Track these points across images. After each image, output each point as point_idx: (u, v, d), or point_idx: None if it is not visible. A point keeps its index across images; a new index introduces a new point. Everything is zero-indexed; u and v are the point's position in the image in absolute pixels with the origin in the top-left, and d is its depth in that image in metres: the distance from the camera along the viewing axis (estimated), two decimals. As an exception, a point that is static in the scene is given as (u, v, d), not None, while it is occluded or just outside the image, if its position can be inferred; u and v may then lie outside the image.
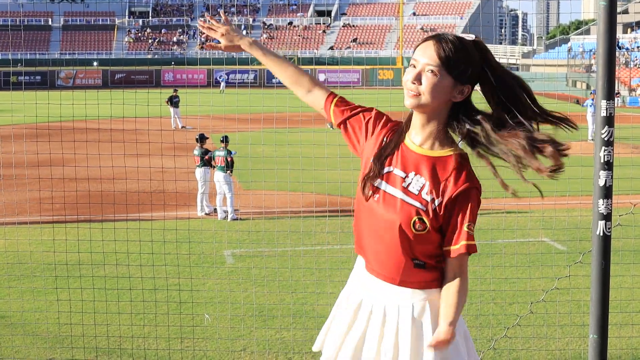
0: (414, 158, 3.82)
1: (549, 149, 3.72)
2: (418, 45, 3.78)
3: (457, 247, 3.76)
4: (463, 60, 3.69)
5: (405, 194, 3.77)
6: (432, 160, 3.80)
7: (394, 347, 3.83)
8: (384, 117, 4.02)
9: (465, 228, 3.76)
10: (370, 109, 4.05)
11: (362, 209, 3.88)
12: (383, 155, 3.86)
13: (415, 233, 3.75)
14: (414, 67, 3.73)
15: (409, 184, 3.78)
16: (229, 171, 17.19)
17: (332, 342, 4.06)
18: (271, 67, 4.26)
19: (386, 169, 3.83)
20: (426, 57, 3.69)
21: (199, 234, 14.60)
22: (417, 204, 3.74)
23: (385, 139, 3.91)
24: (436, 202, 3.74)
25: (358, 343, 3.92)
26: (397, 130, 3.92)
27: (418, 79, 3.70)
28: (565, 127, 3.84)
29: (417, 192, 3.76)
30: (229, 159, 17.23)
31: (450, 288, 3.76)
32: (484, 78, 3.76)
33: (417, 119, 3.83)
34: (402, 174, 3.80)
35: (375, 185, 3.82)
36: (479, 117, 3.78)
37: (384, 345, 3.86)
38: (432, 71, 3.68)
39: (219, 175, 17.35)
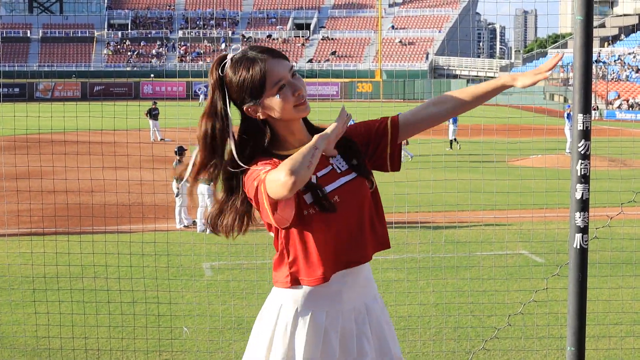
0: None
1: None
2: (261, 75, 3.67)
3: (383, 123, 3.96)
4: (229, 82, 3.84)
5: (346, 175, 3.80)
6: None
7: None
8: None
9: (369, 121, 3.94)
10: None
11: (330, 219, 3.75)
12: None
13: (373, 194, 3.84)
14: (284, 86, 3.68)
15: (337, 166, 3.81)
16: (212, 183, 17.14)
17: None
18: None
19: (313, 178, 3.75)
20: (284, 68, 3.70)
21: (177, 247, 14.58)
22: (357, 173, 3.82)
23: None
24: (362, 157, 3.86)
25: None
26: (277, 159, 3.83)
27: (300, 84, 3.75)
28: None
29: (347, 166, 3.82)
30: None
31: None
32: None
33: (296, 128, 3.81)
34: (328, 169, 3.80)
35: (327, 191, 3.76)
36: None
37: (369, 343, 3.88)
38: (294, 72, 3.74)
39: (202, 188, 17.32)
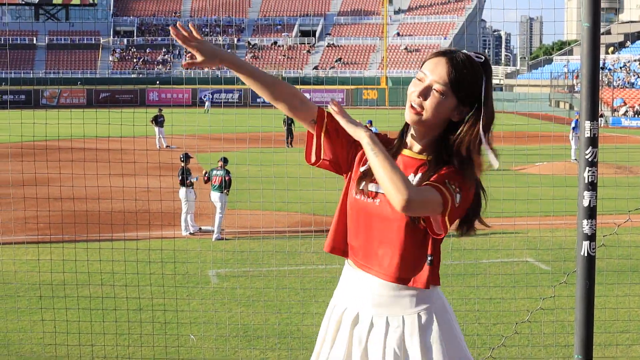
0: (412, 163, 3.79)
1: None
2: (428, 58, 3.74)
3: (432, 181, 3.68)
4: (470, 82, 3.67)
5: None
6: (424, 162, 3.80)
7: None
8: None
9: (447, 182, 3.63)
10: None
11: (360, 213, 3.82)
12: None
13: (423, 228, 3.72)
14: (421, 80, 3.70)
15: None
16: (226, 191, 17.26)
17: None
18: (255, 82, 4.00)
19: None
20: (436, 74, 3.66)
21: (183, 254, 14.58)
22: None
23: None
24: None
25: (345, 352, 3.88)
26: (392, 140, 3.92)
27: (424, 94, 3.67)
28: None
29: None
30: (227, 179, 17.29)
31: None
32: (479, 101, 3.72)
33: (414, 130, 3.81)
34: None
35: (377, 191, 3.76)
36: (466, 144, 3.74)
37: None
38: (439, 90, 3.65)
39: (215, 196, 17.36)
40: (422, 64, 3.75)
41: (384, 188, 3.49)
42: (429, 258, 3.78)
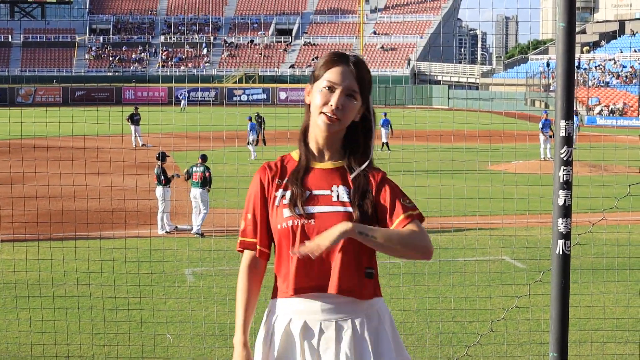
0: (326, 174, 3.85)
1: None
2: (329, 66, 3.80)
3: (400, 218, 3.80)
4: (368, 82, 3.85)
5: (342, 205, 3.79)
6: (340, 170, 3.86)
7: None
8: (265, 170, 3.97)
9: (402, 202, 3.85)
10: (253, 190, 3.98)
11: (294, 236, 3.79)
12: (297, 178, 3.85)
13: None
14: (332, 90, 3.76)
15: (338, 195, 3.81)
16: (207, 187, 17.25)
17: None
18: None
19: (307, 194, 3.82)
20: (347, 81, 3.76)
21: (160, 253, 14.55)
22: (349, 209, 3.79)
23: (281, 177, 3.91)
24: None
25: None
26: (290, 160, 3.94)
27: (342, 103, 3.75)
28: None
29: (348, 200, 3.80)
30: (207, 175, 17.28)
31: (411, 232, 3.77)
32: (367, 97, 3.90)
33: (322, 140, 3.86)
34: (327, 192, 3.82)
35: (306, 212, 3.78)
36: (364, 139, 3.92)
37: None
38: (352, 96, 3.77)
39: (195, 192, 17.35)
40: (319, 75, 3.82)
41: (405, 256, 3.78)
42: (368, 271, 3.86)
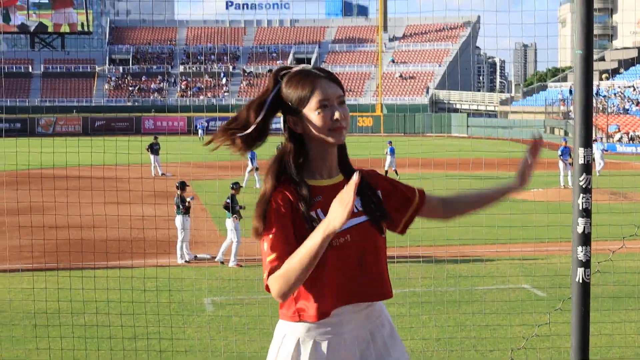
0: (334, 190, 3.71)
1: None
2: (309, 87, 3.75)
3: (416, 199, 4.05)
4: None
5: (360, 215, 3.81)
6: (343, 183, 3.81)
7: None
8: (285, 194, 3.82)
9: (402, 185, 4.06)
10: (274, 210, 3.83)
11: (331, 260, 3.73)
12: (309, 205, 3.78)
13: (383, 237, 3.87)
14: (329, 105, 3.73)
15: (356, 206, 3.82)
16: (234, 216, 17.03)
17: None
18: None
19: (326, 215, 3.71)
20: (335, 92, 3.76)
21: (179, 282, 14.55)
22: (369, 217, 3.85)
23: (298, 204, 3.80)
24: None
25: None
26: (297, 187, 3.82)
27: (343, 112, 3.76)
28: None
29: (361, 208, 3.84)
30: (227, 203, 17.11)
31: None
32: None
33: (328, 155, 3.85)
34: None
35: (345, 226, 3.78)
36: None
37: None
38: (343, 101, 3.78)
39: (228, 223, 17.23)
40: (302, 99, 3.75)
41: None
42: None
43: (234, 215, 17.01)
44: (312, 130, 3.75)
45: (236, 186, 17.66)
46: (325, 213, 3.66)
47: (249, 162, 33.54)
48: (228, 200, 17.20)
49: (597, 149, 40.41)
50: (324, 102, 3.73)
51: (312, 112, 3.73)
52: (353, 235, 3.78)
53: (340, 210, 3.40)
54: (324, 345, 3.82)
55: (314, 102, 3.73)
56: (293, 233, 3.70)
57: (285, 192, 3.76)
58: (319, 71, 3.81)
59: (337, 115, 3.73)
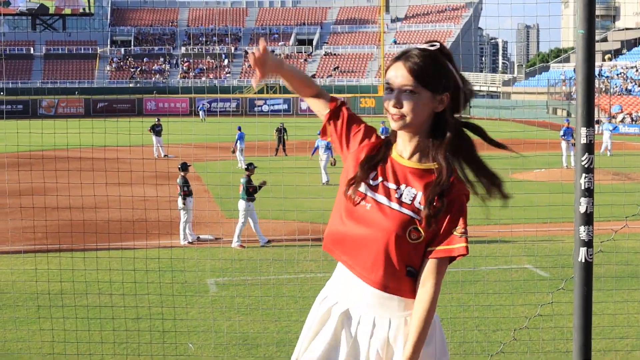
0: (403, 170, 3.84)
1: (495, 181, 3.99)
2: (388, 67, 3.83)
3: (442, 248, 3.77)
4: (434, 70, 3.76)
5: (399, 204, 3.77)
6: (420, 172, 3.84)
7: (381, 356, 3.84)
8: (373, 132, 4.06)
9: (454, 232, 3.79)
10: (363, 123, 4.11)
11: (350, 214, 3.83)
12: (370, 163, 3.88)
13: (410, 242, 3.75)
14: (390, 90, 3.77)
15: (402, 194, 3.79)
16: (247, 198, 16.93)
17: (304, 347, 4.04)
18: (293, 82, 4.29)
19: (377, 181, 3.83)
20: (400, 78, 3.74)
21: (181, 263, 14.57)
22: (411, 214, 3.75)
23: (372, 150, 3.94)
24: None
25: (331, 342, 3.90)
26: (383, 143, 3.95)
27: (399, 102, 3.73)
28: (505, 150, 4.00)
29: (410, 202, 3.77)
30: (246, 186, 17.04)
31: (420, 303, 3.74)
32: (455, 81, 3.84)
33: (403, 134, 3.86)
34: (394, 186, 3.81)
35: (366, 193, 3.81)
36: (458, 126, 3.93)
37: (368, 353, 3.85)
38: (410, 91, 3.72)
39: (241, 204, 17.15)
40: (386, 74, 3.84)
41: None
42: (409, 269, 3.80)
43: (248, 197, 16.98)
44: None
45: (251, 167, 17.63)
46: (375, 180, 3.86)
47: (237, 143, 33.44)
48: (243, 181, 17.13)
49: (606, 129, 40.40)
50: (387, 85, 3.80)
51: (385, 90, 3.82)
52: (372, 208, 3.80)
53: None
54: (338, 309, 3.94)
55: (385, 81, 3.82)
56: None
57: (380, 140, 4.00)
58: (408, 53, 3.81)
59: (388, 103, 3.78)
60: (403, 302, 3.83)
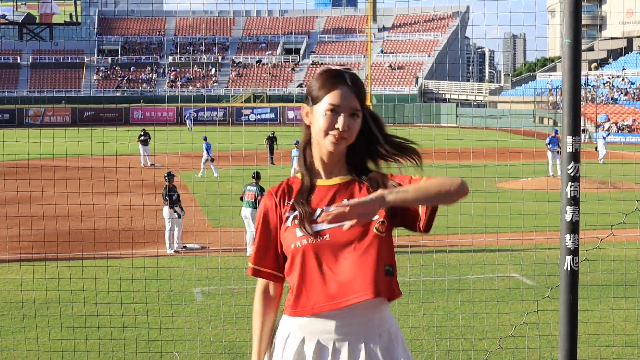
0: (334, 190, 3.87)
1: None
2: (329, 88, 3.81)
3: (418, 182, 3.81)
4: (364, 94, 3.88)
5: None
6: (348, 183, 3.89)
7: None
8: (271, 195, 3.99)
9: (413, 177, 3.88)
10: (259, 216, 4.00)
11: (310, 256, 3.77)
12: (303, 198, 3.86)
13: (379, 235, 3.77)
14: (337, 112, 3.77)
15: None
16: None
17: None
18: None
19: (318, 212, 3.79)
20: (349, 102, 3.78)
21: (167, 272, 14.53)
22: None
23: (289, 198, 3.92)
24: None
25: None
26: (295, 181, 3.96)
27: (349, 123, 3.77)
28: (411, 160, 3.98)
29: None
30: (260, 197, 16.97)
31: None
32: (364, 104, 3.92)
33: (328, 158, 3.88)
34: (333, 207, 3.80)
35: (315, 230, 3.76)
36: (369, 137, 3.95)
37: None
38: (356, 114, 3.80)
39: (246, 211, 17.15)
40: (318, 97, 3.84)
41: (445, 200, 3.69)
42: (387, 268, 3.80)
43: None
44: (315, 127, 3.85)
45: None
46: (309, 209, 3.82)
47: (204, 153, 33.53)
48: (254, 190, 17.11)
49: (600, 137, 40.64)
50: (334, 108, 3.79)
51: (320, 111, 3.82)
52: (332, 236, 3.78)
53: (347, 203, 3.57)
54: (311, 346, 3.82)
55: (326, 103, 3.81)
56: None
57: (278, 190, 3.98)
58: (348, 78, 3.85)
59: (340, 122, 3.77)
60: (373, 321, 3.84)
